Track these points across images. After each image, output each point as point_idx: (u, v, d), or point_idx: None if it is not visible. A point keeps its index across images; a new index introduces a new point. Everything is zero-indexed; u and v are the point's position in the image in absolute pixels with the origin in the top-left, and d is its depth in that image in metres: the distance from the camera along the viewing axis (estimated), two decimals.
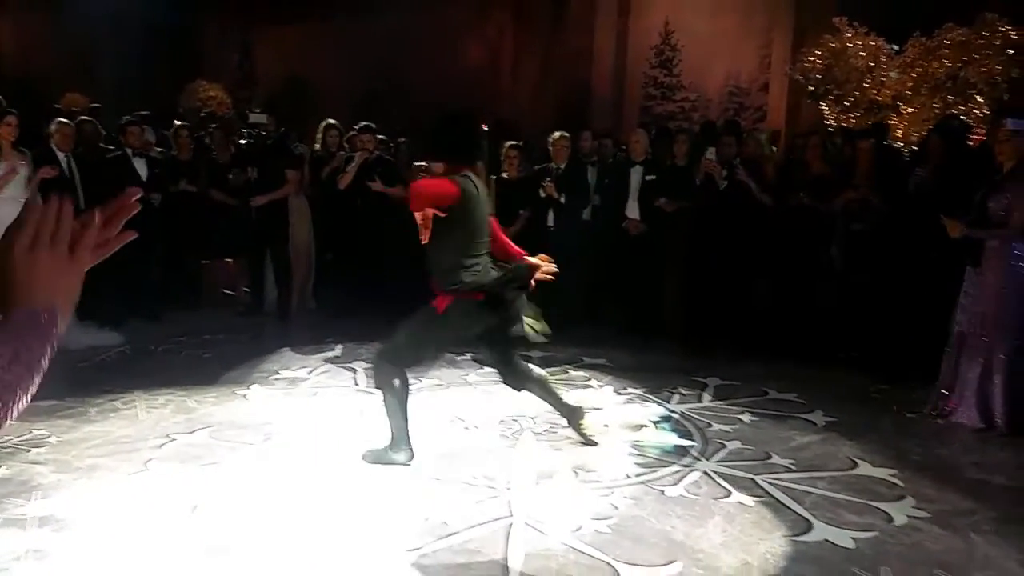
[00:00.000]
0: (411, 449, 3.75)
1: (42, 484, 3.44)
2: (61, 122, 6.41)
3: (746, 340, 6.10)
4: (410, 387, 3.74)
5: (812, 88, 8.99)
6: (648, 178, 6.57)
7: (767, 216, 6.21)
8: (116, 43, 14.21)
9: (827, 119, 8.99)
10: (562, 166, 6.70)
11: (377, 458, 3.76)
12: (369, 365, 5.40)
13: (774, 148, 8.07)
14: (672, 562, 2.92)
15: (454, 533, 3.10)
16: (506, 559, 2.91)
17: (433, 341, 3.77)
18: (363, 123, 7.15)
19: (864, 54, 8.62)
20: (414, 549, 2.96)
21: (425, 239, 3.51)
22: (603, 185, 6.78)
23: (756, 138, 7.09)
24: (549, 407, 4.10)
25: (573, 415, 4.09)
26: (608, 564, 2.89)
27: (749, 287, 6.45)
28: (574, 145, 6.81)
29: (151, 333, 6.17)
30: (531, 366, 4.21)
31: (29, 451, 3.79)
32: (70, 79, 12.86)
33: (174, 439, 4.04)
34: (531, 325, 3.70)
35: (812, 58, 8.99)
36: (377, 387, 3.80)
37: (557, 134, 6.80)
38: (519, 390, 4.02)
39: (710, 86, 13.37)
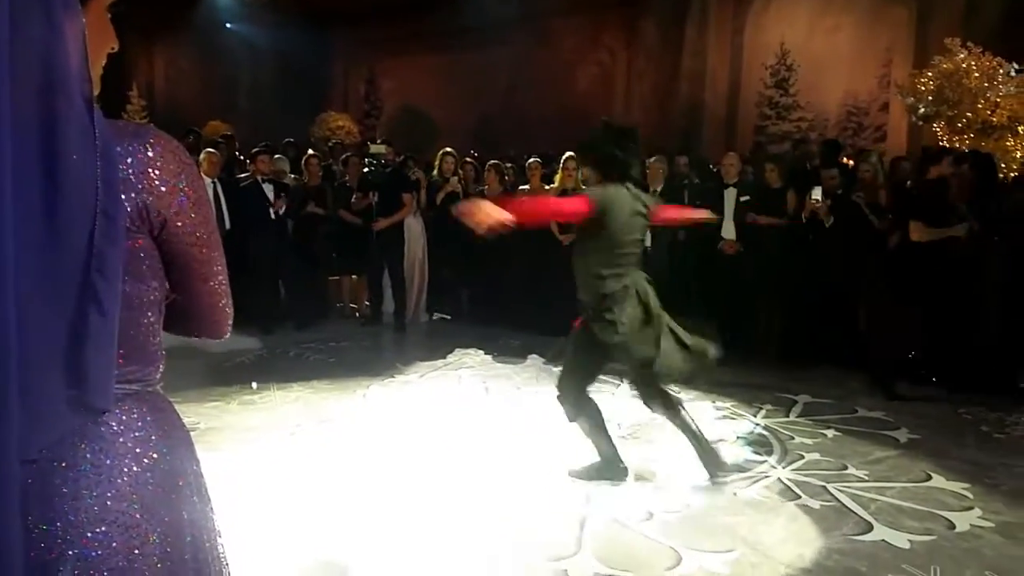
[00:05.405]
0: (623, 467, 3.91)
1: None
2: (209, 151, 7.29)
3: (845, 361, 6.22)
4: (599, 409, 3.89)
5: (922, 109, 8.91)
6: (743, 199, 6.81)
7: (876, 241, 6.27)
8: (253, 76, 15.64)
9: (941, 140, 8.87)
10: (658, 188, 7.02)
11: (589, 475, 3.90)
12: (478, 371, 5.93)
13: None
14: (731, 551, 3.21)
15: (531, 517, 3.51)
16: (580, 538, 3.28)
17: (577, 363, 3.82)
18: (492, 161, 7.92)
19: (978, 75, 8.49)
20: (498, 521, 3.39)
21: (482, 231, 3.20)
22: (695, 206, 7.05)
23: (870, 162, 6.80)
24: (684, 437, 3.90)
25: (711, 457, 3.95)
26: (672, 549, 3.21)
27: (851, 310, 6.53)
28: (670, 168, 7.13)
29: (284, 339, 6.91)
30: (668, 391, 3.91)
31: None
32: (212, 109, 14.25)
33: (303, 427, 4.65)
34: (667, 362, 3.59)
35: (924, 79, 8.92)
36: (570, 421, 3.89)
37: (653, 158, 7.14)
38: (650, 408, 3.92)
39: (827, 105, 13.24)
